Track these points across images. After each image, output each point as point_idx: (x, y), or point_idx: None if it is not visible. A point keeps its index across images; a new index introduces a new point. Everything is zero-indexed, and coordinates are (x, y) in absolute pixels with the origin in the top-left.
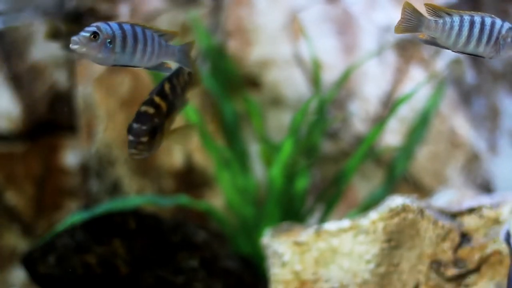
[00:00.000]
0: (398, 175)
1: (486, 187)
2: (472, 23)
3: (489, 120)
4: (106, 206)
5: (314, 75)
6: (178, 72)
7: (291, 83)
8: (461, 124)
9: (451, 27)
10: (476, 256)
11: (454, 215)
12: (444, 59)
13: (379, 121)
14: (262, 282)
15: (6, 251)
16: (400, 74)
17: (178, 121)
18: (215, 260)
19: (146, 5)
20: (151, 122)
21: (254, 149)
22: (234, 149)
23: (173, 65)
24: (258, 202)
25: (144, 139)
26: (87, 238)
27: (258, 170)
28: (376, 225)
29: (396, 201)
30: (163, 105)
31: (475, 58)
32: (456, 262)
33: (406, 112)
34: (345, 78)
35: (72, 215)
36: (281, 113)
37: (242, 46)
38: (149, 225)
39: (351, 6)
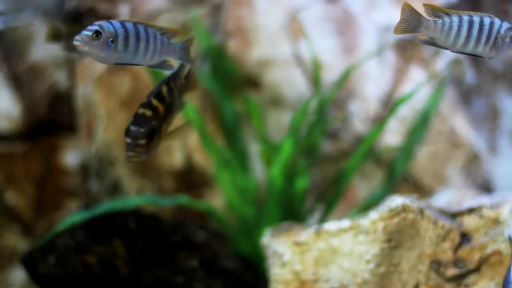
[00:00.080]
0: (398, 175)
1: (486, 187)
2: (471, 23)
3: (489, 120)
4: (106, 206)
5: (314, 75)
6: (175, 75)
7: (291, 83)
8: (461, 124)
9: (450, 27)
10: (476, 256)
11: (454, 215)
12: (444, 59)
13: (379, 121)
14: (262, 282)
15: (6, 251)
16: (400, 74)
17: (178, 121)
18: (215, 260)
19: (146, 5)
20: (148, 124)
21: (254, 149)
22: (234, 149)
23: (174, 63)
24: (258, 202)
25: (142, 141)
26: (87, 238)
27: (258, 170)
28: (376, 225)
29: (396, 201)
30: (160, 107)
31: (475, 58)
32: (456, 262)
33: (406, 112)
34: (345, 78)
35: (72, 215)
36: (281, 113)
37: (242, 46)
38: (149, 225)
39: (351, 6)
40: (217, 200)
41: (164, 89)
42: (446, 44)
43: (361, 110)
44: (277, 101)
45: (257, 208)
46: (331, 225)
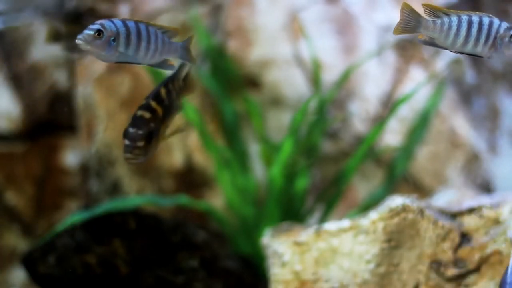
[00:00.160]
0: (398, 175)
1: (486, 187)
2: (470, 23)
3: (489, 120)
4: (106, 206)
5: (314, 75)
6: (173, 77)
7: (291, 83)
8: (461, 124)
9: (449, 27)
10: (476, 256)
11: (454, 215)
12: (444, 59)
13: (379, 121)
14: (262, 282)
15: (6, 251)
16: (400, 74)
17: (178, 121)
18: (215, 260)
19: (146, 5)
20: (147, 126)
21: (254, 149)
22: (234, 149)
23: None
24: (258, 202)
25: (140, 143)
26: (87, 238)
27: (258, 170)
28: (376, 225)
29: (396, 201)
30: (159, 109)
31: (475, 58)
32: (456, 262)
33: (406, 112)
34: (345, 78)
35: (72, 215)
36: (281, 113)
37: (242, 46)
38: (149, 225)
39: (351, 6)
40: (217, 200)
41: (163, 91)
42: (446, 44)
43: (361, 110)
44: (277, 101)
45: (257, 208)
46: (331, 225)
